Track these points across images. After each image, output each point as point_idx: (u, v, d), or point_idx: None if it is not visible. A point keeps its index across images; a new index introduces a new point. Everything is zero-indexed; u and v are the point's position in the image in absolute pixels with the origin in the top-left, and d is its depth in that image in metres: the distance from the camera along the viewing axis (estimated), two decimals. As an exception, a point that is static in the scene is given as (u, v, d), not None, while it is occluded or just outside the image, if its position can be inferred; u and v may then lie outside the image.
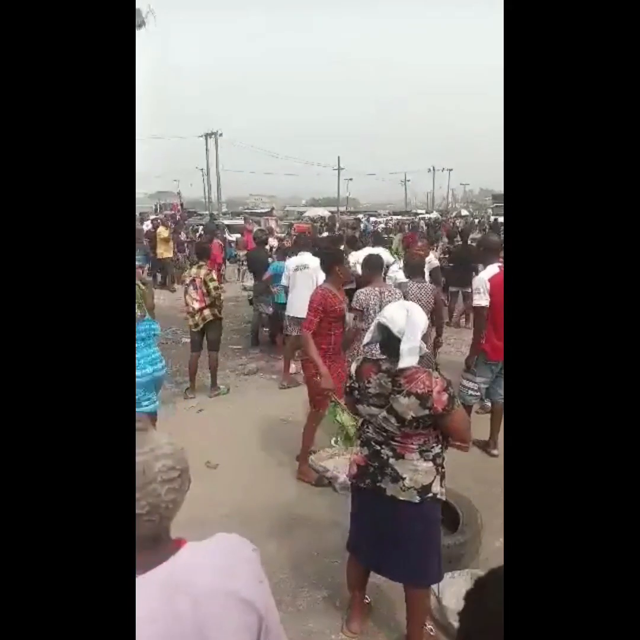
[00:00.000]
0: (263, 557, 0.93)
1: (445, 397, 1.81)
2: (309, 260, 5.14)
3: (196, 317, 4.99)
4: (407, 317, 1.88)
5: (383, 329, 1.93)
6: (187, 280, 5.06)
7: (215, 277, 5.08)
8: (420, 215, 35.36)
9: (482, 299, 3.53)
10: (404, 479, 1.91)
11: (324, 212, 36.30)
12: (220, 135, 33.60)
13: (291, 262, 5.38)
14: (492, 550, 2.72)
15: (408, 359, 1.85)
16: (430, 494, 1.93)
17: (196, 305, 4.97)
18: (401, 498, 1.92)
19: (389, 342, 1.90)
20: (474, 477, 3.31)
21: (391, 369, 1.89)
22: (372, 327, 2.02)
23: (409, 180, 59.79)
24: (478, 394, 3.76)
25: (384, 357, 1.96)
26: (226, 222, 19.36)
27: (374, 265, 3.93)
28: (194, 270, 5.11)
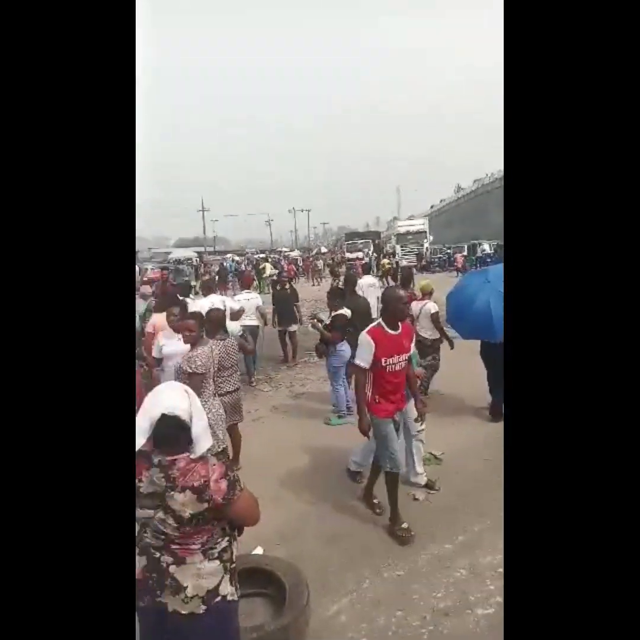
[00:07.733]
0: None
1: (224, 485, 1.58)
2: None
3: None
4: (189, 398, 1.65)
5: (165, 419, 1.59)
6: None
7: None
8: (285, 253, 38.93)
9: (361, 360, 3.24)
10: (185, 588, 1.60)
11: (190, 253, 36.73)
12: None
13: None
14: (323, 620, 2.51)
15: (204, 443, 1.63)
16: (218, 598, 1.63)
17: None
18: (184, 612, 1.59)
19: (168, 431, 1.59)
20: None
21: (162, 461, 1.59)
22: (148, 422, 1.60)
23: (272, 221, 65.62)
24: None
25: (155, 449, 1.62)
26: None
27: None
28: None
